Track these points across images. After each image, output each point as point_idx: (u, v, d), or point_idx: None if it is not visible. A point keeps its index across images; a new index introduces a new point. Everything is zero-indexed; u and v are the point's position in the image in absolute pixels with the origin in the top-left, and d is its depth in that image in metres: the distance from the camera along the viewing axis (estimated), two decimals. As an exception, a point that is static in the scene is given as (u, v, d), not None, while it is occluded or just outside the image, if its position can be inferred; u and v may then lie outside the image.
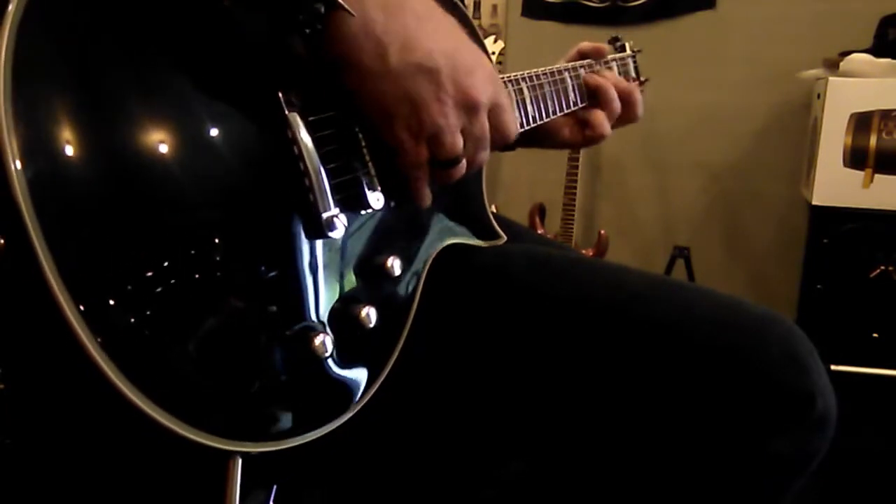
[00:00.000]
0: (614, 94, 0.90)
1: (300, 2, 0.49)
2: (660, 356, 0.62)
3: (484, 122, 0.59)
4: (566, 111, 0.89)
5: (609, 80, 0.91)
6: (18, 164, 0.37)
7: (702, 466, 0.61)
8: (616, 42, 1.16)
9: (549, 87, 0.84)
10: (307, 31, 0.50)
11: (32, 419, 0.43)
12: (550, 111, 0.84)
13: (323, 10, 0.50)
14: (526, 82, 0.80)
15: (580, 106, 0.91)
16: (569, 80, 0.89)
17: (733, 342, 0.61)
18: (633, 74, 1.12)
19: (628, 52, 1.13)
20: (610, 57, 1.03)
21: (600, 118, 0.89)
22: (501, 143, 0.64)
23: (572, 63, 0.92)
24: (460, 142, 0.58)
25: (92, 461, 0.47)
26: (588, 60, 0.95)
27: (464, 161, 0.60)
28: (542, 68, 0.85)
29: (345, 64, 0.53)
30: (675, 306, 0.65)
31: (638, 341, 0.63)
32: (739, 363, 0.60)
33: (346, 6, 0.50)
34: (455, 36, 0.58)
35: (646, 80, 1.15)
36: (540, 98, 0.82)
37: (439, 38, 0.55)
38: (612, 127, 0.91)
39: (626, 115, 0.93)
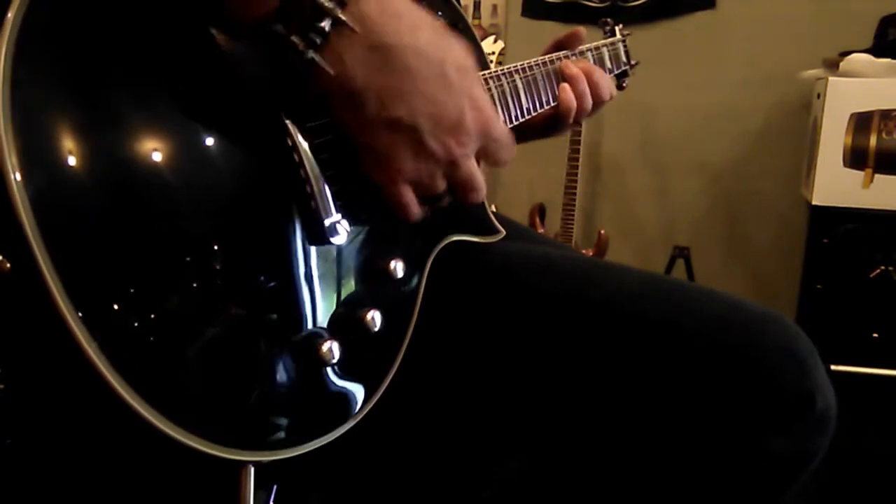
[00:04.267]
0: (584, 88, 0.88)
1: (282, 54, 0.48)
2: (660, 355, 0.62)
3: (468, 169, 0.57)
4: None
5: (581, 68, 0.89)
6: (18, 176, 0.37)
7: (702, 465, 0.61)
8: (605, 26, 1.13)
9: (543, 78, 0.84)
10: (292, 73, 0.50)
11: (32, 419, 0.43)
12: (544, 101, 0.84)
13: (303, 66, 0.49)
14: (520, 74, 0.80)
15: None
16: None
17: (733, 341, 0.61)
18: (623, 59, 1.10)
19: (618, 36, 1.11)
20: (594, 44, 1.01)
21: (566, 93, 0.86)
22: (493, 167, 0.63)
23: (556, 53, 0.91)
24: (442, 184, 0.56)
25: (92, 461, 0.47)
26: (564, 52, 0.92)
27: (447, 196, 0.58)
28: (534, 59, 0.84)
29: (330, 101, 0.52)
30: (676, 306, 0.65)
31: (638, 341, 0.63)
32: (739, 362, 0.60)
33: (324, 64, 0.49)
34: (443, 84, 0.53)
35: (636, 63, 1.13)
36: (534, 89, 0.82)
37: (425, 92, 0.52)
38: (585, 113, 0.89)
39: (597, 95, 0.90)
